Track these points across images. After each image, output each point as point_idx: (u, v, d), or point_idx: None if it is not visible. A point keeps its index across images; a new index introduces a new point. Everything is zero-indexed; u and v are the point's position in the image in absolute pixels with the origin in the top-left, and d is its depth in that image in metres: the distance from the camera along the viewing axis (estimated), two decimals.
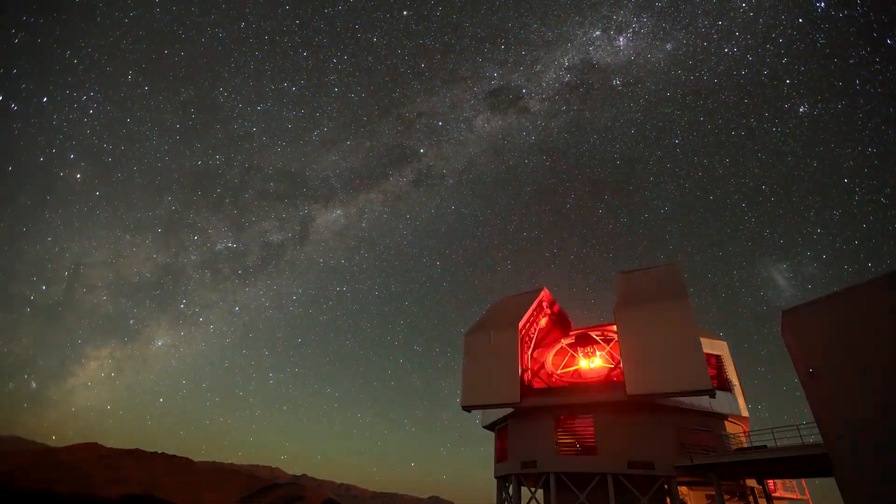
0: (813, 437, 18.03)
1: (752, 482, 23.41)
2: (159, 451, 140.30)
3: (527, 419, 25.00)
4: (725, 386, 23.77)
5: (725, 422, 23.68)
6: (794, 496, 24.16)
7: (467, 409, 24.73)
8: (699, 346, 19.43)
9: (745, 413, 24.67)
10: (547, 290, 30.27)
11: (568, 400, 23.57)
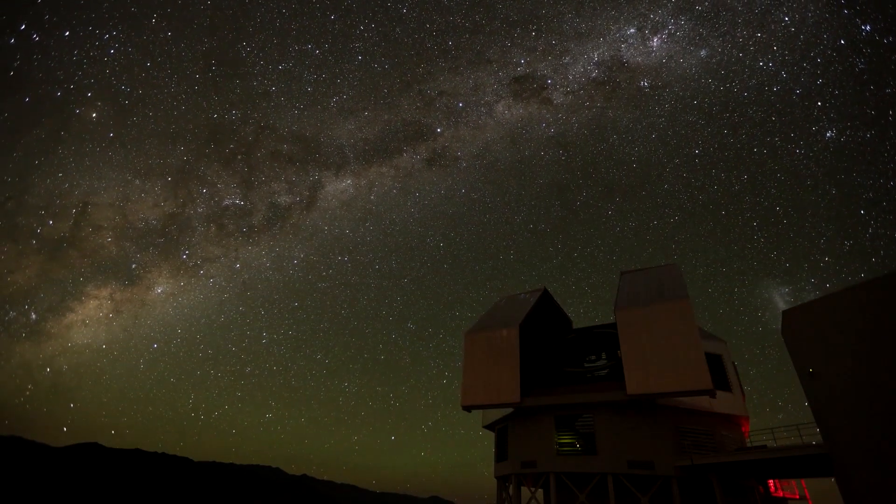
0: (813, 437, 18.05)
1: (752, 482, 23.39)
2: (159, 452, 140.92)
3: (527, 419, 25.00)
4: (725, 386, 23.74)
5: (725, 422, 23.65)
6: (794, 496, 24.14)
7: (468, 409, 24.59)
8: (700, 346, 19.44)
9: (745, 413, 24.65)
10: (547, 291, 30.27)
11: (569, 399, 23.58)
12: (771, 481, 24.11)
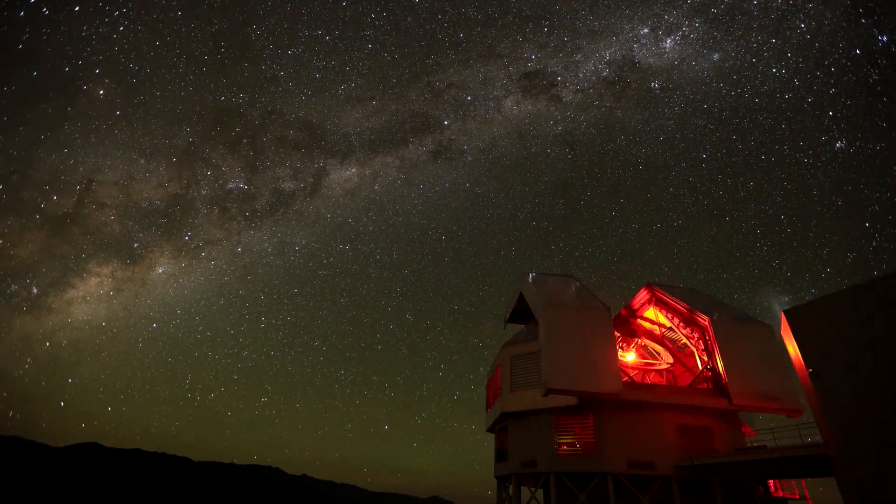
0: (813, 437, 18.05)
1: (752, 482, 23.39)
2: (159, 452, 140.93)
3: (526, 419, 24.93)
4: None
5: (726, 422, 23.64)
6: (794, 496, 24.15)
7: (553, 391, 22.02)
8: (789, 372, 21.60)
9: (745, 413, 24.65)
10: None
11: (667, 399, 23.26)
12: (771, 481, 24.11)
